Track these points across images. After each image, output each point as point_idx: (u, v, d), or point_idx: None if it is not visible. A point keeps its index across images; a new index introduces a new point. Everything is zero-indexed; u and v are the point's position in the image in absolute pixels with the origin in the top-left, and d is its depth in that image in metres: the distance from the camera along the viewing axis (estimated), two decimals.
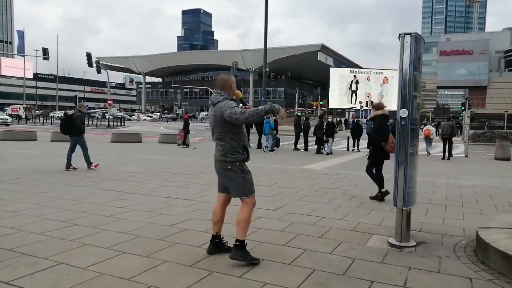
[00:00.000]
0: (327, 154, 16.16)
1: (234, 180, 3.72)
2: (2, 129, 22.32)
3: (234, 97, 3.84)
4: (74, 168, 9.60)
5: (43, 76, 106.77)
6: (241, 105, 3.87)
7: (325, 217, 5.61)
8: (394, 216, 5.67)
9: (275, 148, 17.65)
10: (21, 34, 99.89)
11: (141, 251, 4.00)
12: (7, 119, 36.85)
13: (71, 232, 4.57)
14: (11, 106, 52.24)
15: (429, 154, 18.07)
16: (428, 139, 18.67)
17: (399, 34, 4.19)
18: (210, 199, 6.59)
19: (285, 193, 7.37)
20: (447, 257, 4.06)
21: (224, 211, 3.98)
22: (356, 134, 19.52)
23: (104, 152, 14.07)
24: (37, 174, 8.66)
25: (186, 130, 18.64)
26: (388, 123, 7.30)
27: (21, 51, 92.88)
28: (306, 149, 17.81)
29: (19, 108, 49.30)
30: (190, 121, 11.94)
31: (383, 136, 7.00)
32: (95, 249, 4.04)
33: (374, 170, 7.29)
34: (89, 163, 9.83)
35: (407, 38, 4.11)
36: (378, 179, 7.19)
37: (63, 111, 18.44)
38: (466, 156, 17.88)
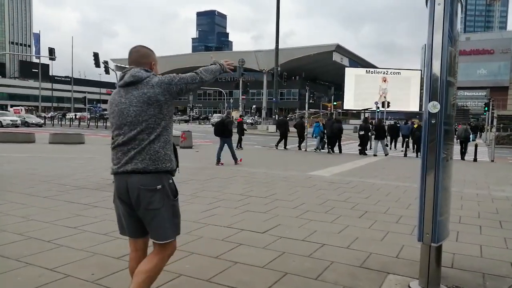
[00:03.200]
0: (374, 155, 16.46)
1: (160, 211, 2.31)
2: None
3: None
4: (222, 164, 11.27)
5: (59, 78, 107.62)
6: None
7: (326, 244, 4.34)
8: (416, 241, 4.42)
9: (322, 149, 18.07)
10: (37, 37, 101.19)
11: None
12: (16, 121, 36.47)
13: None
14: (14, 108, 51.39)
15: None
16: None
17: None
18: (188, 216, 5.41)
19: (282, 207, 6.12)
20: None
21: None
22: (393, 135, 19.20)
23: (97, 156, 13.04)
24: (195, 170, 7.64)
25: (241, 133, 18.32)
26: (398, 125, 6.27)
27: (38, 53, 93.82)
28: (340, 151, 17.58)
29: (21, 110, 49.06)
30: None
31: None
32: None
33: None
34: (235, 158, 11.70)
35: (439, 0, 2.83)
36: None
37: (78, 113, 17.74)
38: (492, 161, 16.31)
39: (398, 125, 21.79)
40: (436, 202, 2.88)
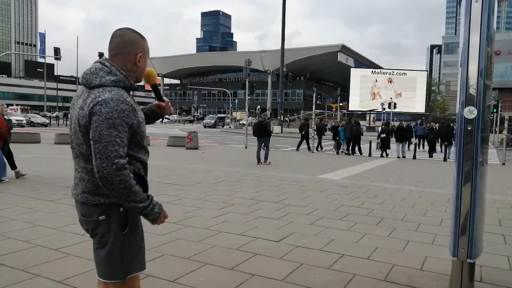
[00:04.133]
0: (398, 158, 16.78)
1: (106, 247, 1.84)
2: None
3: (141, 81, 1.99)
4: (261, 163, 12.39)
5: (64, 78, 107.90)
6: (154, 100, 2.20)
7: (345, 254, 4.14)
8: (439, 251, 4.22)
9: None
10: (43, 37, 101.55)
11: None
12: (22, 120, 36.44)
13: None
14: (10, 107, 51.18)
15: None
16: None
17: None
18: (199, 222, 5.23)
19: (295, 213, 5.92)
20: None
21: None
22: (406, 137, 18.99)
23: None
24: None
25: (306, 135, 18.91)
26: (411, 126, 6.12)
27: (43, 53, 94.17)
28: (360, 153, 17.69)
29: (17, 109, 48.67)
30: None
31: None
32: None
33: None
34: (266, 158, 12.49)
35: None
36: None
37: None
38: (503, 164, 16.01)
39: (412, 126, 22.10)
40: (473, 215, 2.68)
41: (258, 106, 63.07)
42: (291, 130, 43.42)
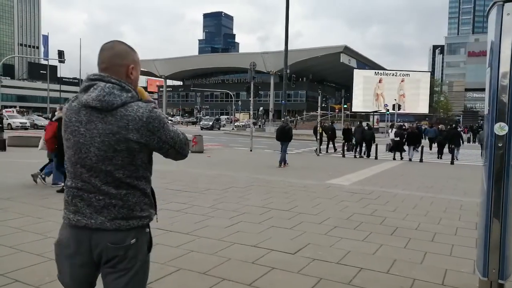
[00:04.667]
0: (409, 160, 17.05)
1: (129, 271, 1.75)
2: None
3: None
4: (287, 165, 13.13)
5: (67, 79, 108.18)
6: None
7: (364, 268, 4.06)
8: (458, 264, 4.15)
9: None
10: (46, 39, 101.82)
11: None
12: (26, 123, 36.50)
13: None
14: (6, 109, 48.77)
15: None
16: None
17: (492, 3, 2.64)
18: (211, 233, 5.15)
19: (307, 222, 5.85)
20: None
21: None
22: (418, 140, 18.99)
23: None
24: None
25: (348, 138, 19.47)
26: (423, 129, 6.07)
27: (46, 55, 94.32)
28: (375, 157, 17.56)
29: (13, 111, 48.24)
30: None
31: None
32: None
33: None
34: (284, 162, 13.09)
35: (509, 8, 2.55)
36: None
37: None
38: None
39: (423, 128, 22.35)
40: (504, 235, 2.59)
41: (261, 108, 63.01)
42: (296, 132, 43.33)
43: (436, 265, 4.23)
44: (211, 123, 50.76)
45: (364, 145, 18.12)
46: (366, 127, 18.90)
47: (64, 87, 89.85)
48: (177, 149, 1.83)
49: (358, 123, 22.80)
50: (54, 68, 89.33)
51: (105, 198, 1.72)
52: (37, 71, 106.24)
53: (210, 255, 4.31)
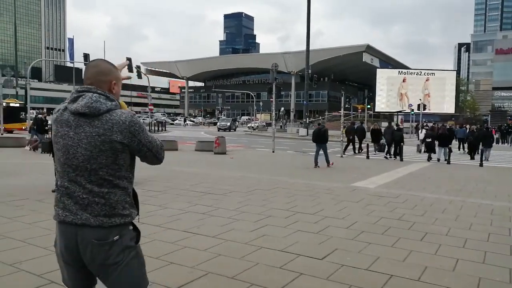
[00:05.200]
0: (438, 160, 17.02)
1: (122, 266, 1.93)
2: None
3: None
4: (318, 166, 13.34)
5: None
6: None
7: (394, 275, 3.98)
8: (492, 272, 4.02)
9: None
10: (71, 42, 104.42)
11: None
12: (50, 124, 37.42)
13: None
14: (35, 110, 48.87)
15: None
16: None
17: None
18: (237, 236, 5.17)
19: (333, 226, 5.79)
20: None
21: None
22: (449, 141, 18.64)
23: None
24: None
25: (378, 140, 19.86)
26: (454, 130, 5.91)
27: (71, 58, 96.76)
28: (399, 158, 17.27)
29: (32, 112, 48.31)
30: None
31: None
32: None
33: None
34: (328, 162, 13.46)
35: None
36: None
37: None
38: None
39: (454, 129, 22.23)
40: None
41: (282, 108, 62.80)
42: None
43: (469, 273, 4.11)
44: (229, 124, 48.96)
45: (393, 146, 18.02)
46: (395, 128, 18.66)
47: None
48: (154, 153, 2.03)
49: (388, 123, 22.56)
50: (79, 71, 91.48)
51: (89, 196, 1.90)
52: (63, 74, 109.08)
53: (238, 259, 4.32)
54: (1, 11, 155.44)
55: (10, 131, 27.71)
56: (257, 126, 51.95)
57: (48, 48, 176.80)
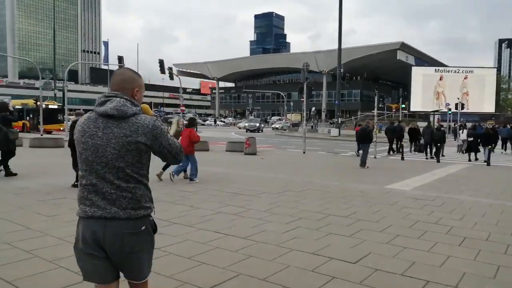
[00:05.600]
0: (475, 159, 16.87)
1: (143, 252, 2.17)
2: None
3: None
4: (367, 167, 13.33)
5: None
6: None
7: (431, 281, 3.84)
8: None
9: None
10: (106, 45, 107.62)
11: None
12: None
13: None
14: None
15: None
16: None
17: None
18: (269, 237, 5.15)
19: (367, 229, 5.66)
20: None
21: None
22: (493, 141, 18.27)
23: (163, 164, 13.29)
24: None
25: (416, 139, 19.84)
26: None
27: (106, 60, 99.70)
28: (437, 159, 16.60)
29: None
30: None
31: None
32: None
33: None
34: (364, 163, 13.41)
35: None
36: None
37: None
38: None
39: (497, 128, 21.60)
40: None
41: (313, 108, 62.37)
42: (348, 132, 42.49)
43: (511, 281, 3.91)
44: (257, 124, 46.94)
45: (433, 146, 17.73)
46: (435, 128, 18.36)
47: None
48: (174, 154, 2.25)
49: (427, 123, 22.20)
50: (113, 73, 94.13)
51: (117, 191, 2.07)
52: (99, 76, 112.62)
53: (269, 261, 4.29)
54: (42, 17, 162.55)
55: (49, 132, 28.86)
56: (281, 126, 51.27)
57: (84, 51, 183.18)
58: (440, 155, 16.98)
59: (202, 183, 9.36)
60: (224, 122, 74.32)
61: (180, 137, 9.13)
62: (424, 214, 6.65)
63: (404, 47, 69.88)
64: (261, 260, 4.33)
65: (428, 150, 17.79)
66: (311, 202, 7.50)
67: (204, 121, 74.30)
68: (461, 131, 21.62)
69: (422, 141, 18.86)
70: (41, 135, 25.57)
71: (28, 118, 34.80)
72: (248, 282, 3.76)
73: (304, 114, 22.22)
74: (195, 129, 10.35)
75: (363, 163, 13.42)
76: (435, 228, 5.81)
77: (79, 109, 21.10)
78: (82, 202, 2.11)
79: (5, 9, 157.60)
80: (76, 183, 8.76)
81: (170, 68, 35.48)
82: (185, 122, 10.82)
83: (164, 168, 9.53)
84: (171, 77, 36.94)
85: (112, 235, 2.05)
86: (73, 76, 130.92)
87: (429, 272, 4.09)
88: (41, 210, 6.33)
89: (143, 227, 2.13)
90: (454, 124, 35.26)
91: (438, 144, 16.84)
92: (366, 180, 10.56)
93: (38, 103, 29.61)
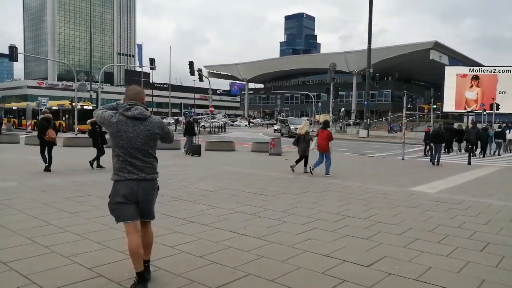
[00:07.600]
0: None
1: (153, 201, 3.53)
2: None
3: None
4: (441, 165, 14.49)
5: (158, 85, 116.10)
6: None
7: (446, 287, 3.70)
8: None
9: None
10: (140, 48, 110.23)
11: None
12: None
13: None
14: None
15: None
16: None
17: None
18: (284, 238, 5.12)
19: (385, 232, 5.53)
20: None
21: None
22: None
23: (188, 163, 13.47)
24: None
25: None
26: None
27: (140, 63, 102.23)
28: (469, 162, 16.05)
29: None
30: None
31: None
32: None
33: None
34: (438, 161, 14.69)
35: None
36: None
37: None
38: None
39: None
40: None
41: (342, 109, 61.53)
42: (378, 133, 41.66)
43: None
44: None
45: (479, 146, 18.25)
46: (481, 129, 18.96)
47: (156, 92, 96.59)
48: (171, 138, 3.62)
49: (473, 123, 22.00)
50: (147, 75, 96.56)
51: (143, 164, 3.35)
52: (133, 78, 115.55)
53: (280, 262, 4.27)
54: (80, 22, 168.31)
55: (84, 132, 29.92)
56: (341, 126, 50.87)
57: (119, 54, 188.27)
58: (485, 153, 17.77)
59: (222, 182, 9.42)
60: (253, 123, 74.39)
61: (317, 137, 11.88)
62: (447, 218, 6.42)
63: (438, 46, 67.78)
64: (273, 261, 4.31)
65: (475, 149, 18.46)
66: (330, 203, 7.40)
67: (233, 121, 74.72)
68: (507, 131, 21.19)
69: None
70: (76, 134, 26.58)
71: (64, 118, 36.26)
72: (256, 282, 3.75)
73: (331, 113, 21.95)
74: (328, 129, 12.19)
75: (437, 162, 14.63)
76: (457, 232, 5.60)
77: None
78: (121, 171, 3.28)
79: (47, 15, 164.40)
80: (48, 167, 10.68)
81: (199, 70, 35.94)
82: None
83: (297, 162, 12.08)
84: (201, 79, 37.44)
85: (142, 189, 3.32)
86: (108, 78, 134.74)
87: (445, 278, 3.94)
88: (66, 207, 6.55)
89: (157, 184, 3.52)
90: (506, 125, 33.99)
91: (485, 144, 17.25)
92: (390, 182, 10.31)
93: (73, 104, 30.80)
